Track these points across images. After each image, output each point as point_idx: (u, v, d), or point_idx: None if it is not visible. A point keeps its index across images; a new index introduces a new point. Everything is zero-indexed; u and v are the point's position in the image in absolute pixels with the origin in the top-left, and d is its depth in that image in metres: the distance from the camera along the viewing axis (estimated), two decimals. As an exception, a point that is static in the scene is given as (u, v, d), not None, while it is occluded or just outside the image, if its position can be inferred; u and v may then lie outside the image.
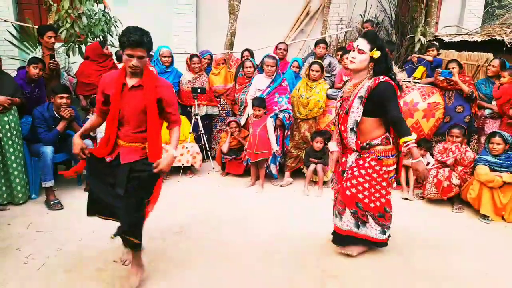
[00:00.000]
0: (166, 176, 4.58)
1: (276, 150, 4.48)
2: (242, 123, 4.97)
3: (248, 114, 4.81)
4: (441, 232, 3.55)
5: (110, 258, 2.88)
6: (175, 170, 4.77)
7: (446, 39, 6.53)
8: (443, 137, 4.65)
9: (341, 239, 2.94)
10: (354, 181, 2.74)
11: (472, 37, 6.04)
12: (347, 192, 2.77)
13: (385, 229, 2.88)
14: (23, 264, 2.80)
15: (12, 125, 3.72)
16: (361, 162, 2.73)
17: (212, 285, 2.62)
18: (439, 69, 4.81)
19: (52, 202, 3.78)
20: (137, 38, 2.20)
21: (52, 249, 3.00)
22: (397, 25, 7.21)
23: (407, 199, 4.30)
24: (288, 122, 4.52)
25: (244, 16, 6.58)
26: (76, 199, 3.98)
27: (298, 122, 4.77)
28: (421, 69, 5.28)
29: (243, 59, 5.46)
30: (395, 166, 2.79)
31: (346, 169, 2.83)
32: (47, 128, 3.88)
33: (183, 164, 4.75)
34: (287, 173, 4.79)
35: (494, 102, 4.59)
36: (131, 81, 2.37)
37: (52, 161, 3.85)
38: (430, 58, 5.33)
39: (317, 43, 5.47)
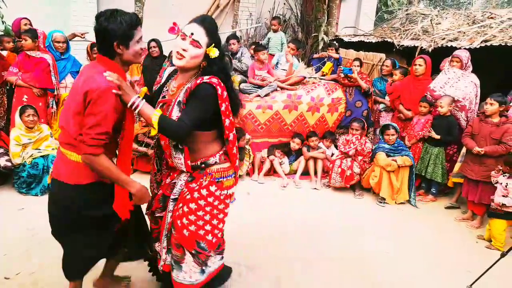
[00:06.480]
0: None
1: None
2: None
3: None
4: (346, 217, 3.85)
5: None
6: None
7: (345, 39, 7.08)
8: (346, 129, 5.06)
9: None
10: (192, 217, 1.99)
11: (368, 38, 6.64)
12: (185, 232, 1.99)
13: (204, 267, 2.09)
14: None
15: None
16: (194, 186, 2.01)
17: None
18: (341, 66, 5.21)
19: None
20: None
21: None
22: (302, 23, 7.57)
23: (315, 188, 4.56)
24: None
25: (151, 4, 6.24)
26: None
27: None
28: (328, 65, 5.67)
29: (150, 50, 5.19)
30: (234, 189, 2.14)
31: (173, 195, 2.07)
32: None
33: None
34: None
35: (387, 98, 5.12)
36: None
37: None
38: (336, 56, 5.74)
39: (228, 39, 5.44)
